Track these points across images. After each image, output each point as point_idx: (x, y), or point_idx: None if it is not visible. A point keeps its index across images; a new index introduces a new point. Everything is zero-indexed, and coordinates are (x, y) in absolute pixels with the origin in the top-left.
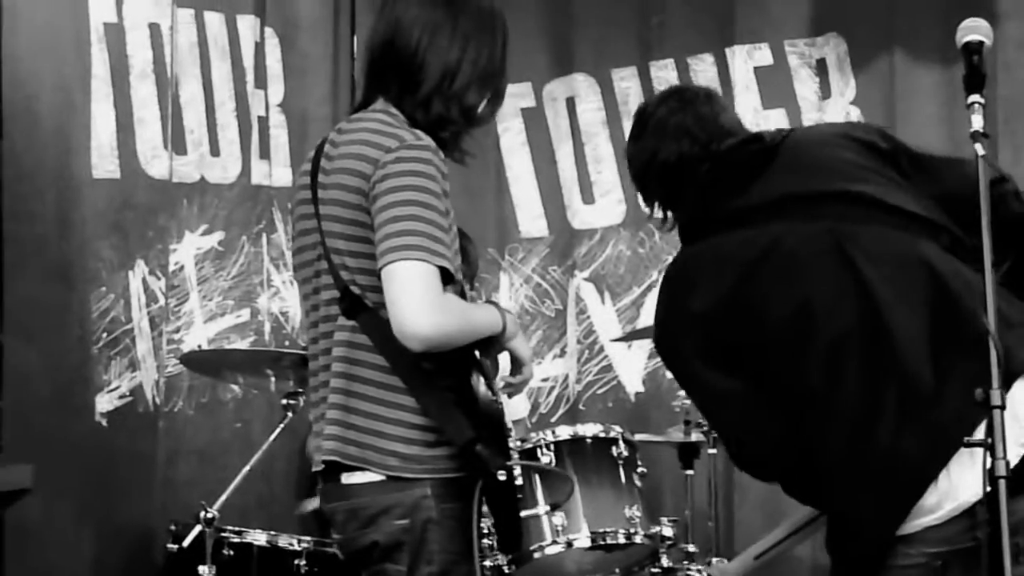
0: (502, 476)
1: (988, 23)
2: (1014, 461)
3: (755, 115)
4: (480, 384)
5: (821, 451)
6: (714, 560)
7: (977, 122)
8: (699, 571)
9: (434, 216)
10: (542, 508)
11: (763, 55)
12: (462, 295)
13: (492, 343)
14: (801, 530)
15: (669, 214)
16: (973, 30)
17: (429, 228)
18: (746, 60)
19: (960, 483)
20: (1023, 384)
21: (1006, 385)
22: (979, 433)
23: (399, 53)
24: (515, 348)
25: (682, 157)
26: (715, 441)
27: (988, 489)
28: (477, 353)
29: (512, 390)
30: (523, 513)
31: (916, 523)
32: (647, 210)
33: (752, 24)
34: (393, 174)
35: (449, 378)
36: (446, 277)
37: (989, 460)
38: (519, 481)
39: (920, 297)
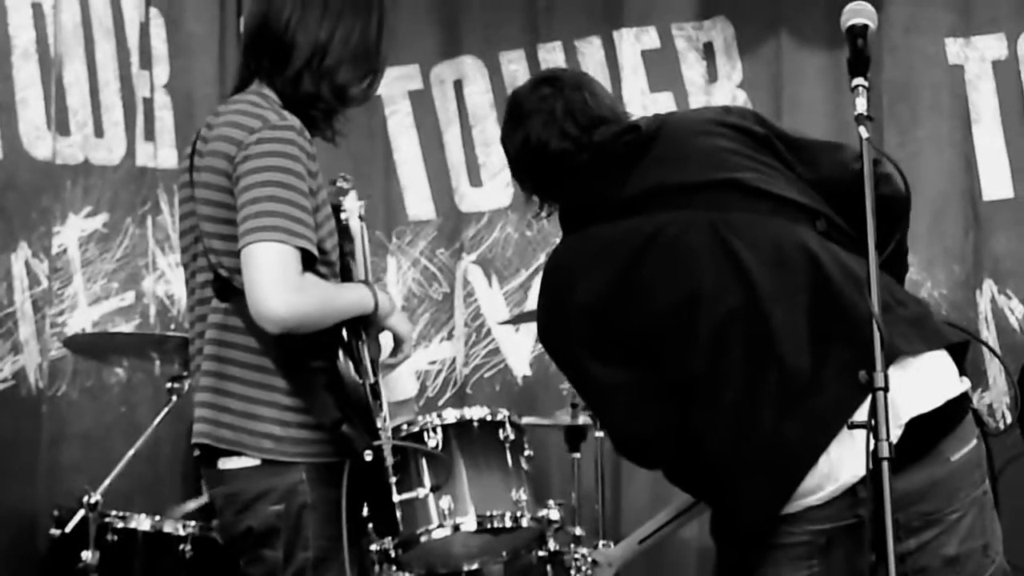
0: (368, 457)
1: (873, 7)
2: (893, 441)
3: (642, 98)
4: (348, 365)
5: (705, 438)
6: (600, 544)
7: (861, 105)
8: (585, 555)
9: (295, 197)
10: (423, 490)
11: (650, 38)
12: (346, 273)
13: (368, 322)
14: (685, 513)
15: (546, 203)
16: (858, 13)
17: (289, 209)
18: (633, 43)
19: (841, 464)
20: (897, 369)
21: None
22: (861, 415)
23: (271, 32)
24: (393, 326)
25: (555, 146)
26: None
27: (871, 468)
28: (346, 333)
29: (389, 370)
30: (405, 496)
31: (799, 503)
32: (524, 198)
33: (640, 7)
34: (254, 155)
35: (319, 359)
36: (309, 259)
37: (873, 441)
38: (389, 462)
39: (798, 283)
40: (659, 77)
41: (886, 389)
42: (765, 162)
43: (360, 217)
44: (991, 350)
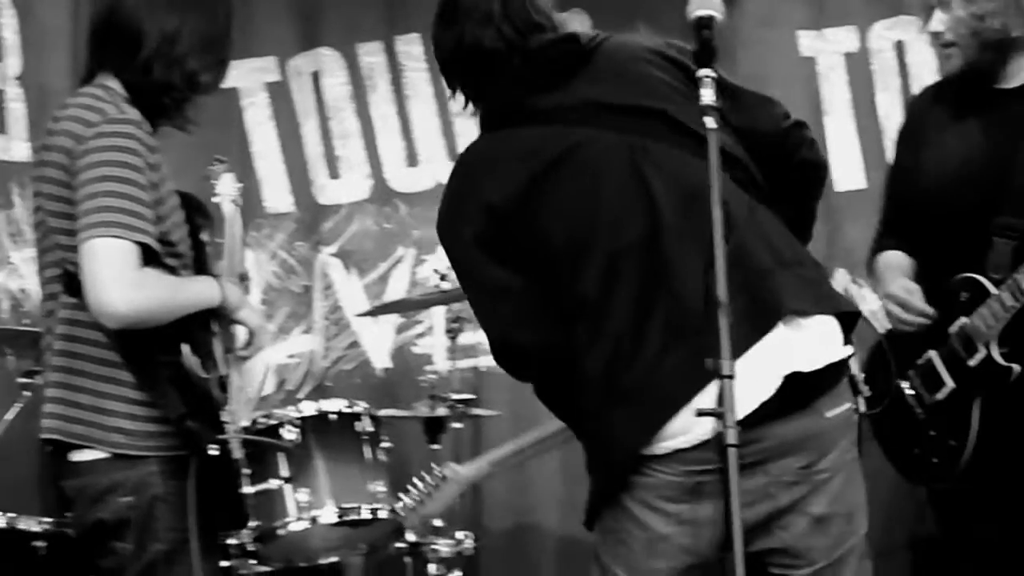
0: (214, 451)
1: (727, 1)
2: (772, 390)
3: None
4: (193, 358)
5: (586, 360)
6: (451, 464)
7: (708, 96)
8: (443, 546)
9: (133, 191)
10: (276, 481)
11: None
12: (202, 266)
13: (217, 315)
14: (544, 441)
15: (471, 104)
16: (703, 4)
17: (126, 203)
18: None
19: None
20: (786, 327)
21: (768, 325)
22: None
23: (120, 21)
24: (243, 319)
25: (489, 45)
26: (461, 415)
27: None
28: (194, 326)
29: (242, 362)
30: (259, 487)
31: (667, 444)
32: (449, 94)
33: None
34: (92, 150)
35: (165, 353)
36: (150, 253)
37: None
38: (239, 455)
39: (704, 225)
40: None
41: (732, 377)
42: (691, 95)
43: (234, 202)
44: (873, 327)
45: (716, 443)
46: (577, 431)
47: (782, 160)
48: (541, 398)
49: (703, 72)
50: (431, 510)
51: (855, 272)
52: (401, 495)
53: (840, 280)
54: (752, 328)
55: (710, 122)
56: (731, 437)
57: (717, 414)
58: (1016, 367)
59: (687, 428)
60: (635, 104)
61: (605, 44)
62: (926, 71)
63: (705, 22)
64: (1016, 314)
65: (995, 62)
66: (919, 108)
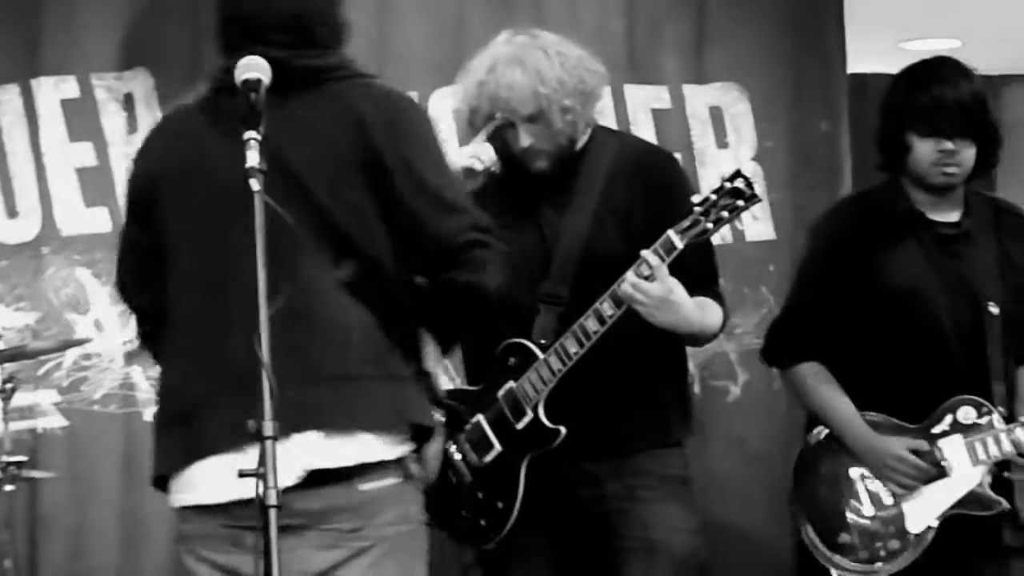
0: None
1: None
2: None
3: (61, 147)
4: None
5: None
6: None
7: (253, 158)
8: None
9: None
10: None
11: (70, 87)
12: None
13: None
14: None
15: None
16: (250, 68)
17: None
18: (52, 92)
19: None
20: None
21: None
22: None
23: None
24: None
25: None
26: (13, 478)
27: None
28: None
29: None
30: None
31: (203, 495)
32: None
33: (57, 56)
34: None
35: None
36: None
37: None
38: None
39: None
40: (79, 126)
41: (275, 438)
42: (352, 178)
43: None
44: None
45: (258, 503)
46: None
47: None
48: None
49: (249, 135)
50: None
51: None
52: None
53: None
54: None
55: (254, 184)
56: (272, 498)
57: (259, 475)
58: (562, 429)
59: (225, 482)
60: (293, 170)
61: (333, 87)
62: None
63: (252, 85)
64: (562, 378)
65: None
66: None
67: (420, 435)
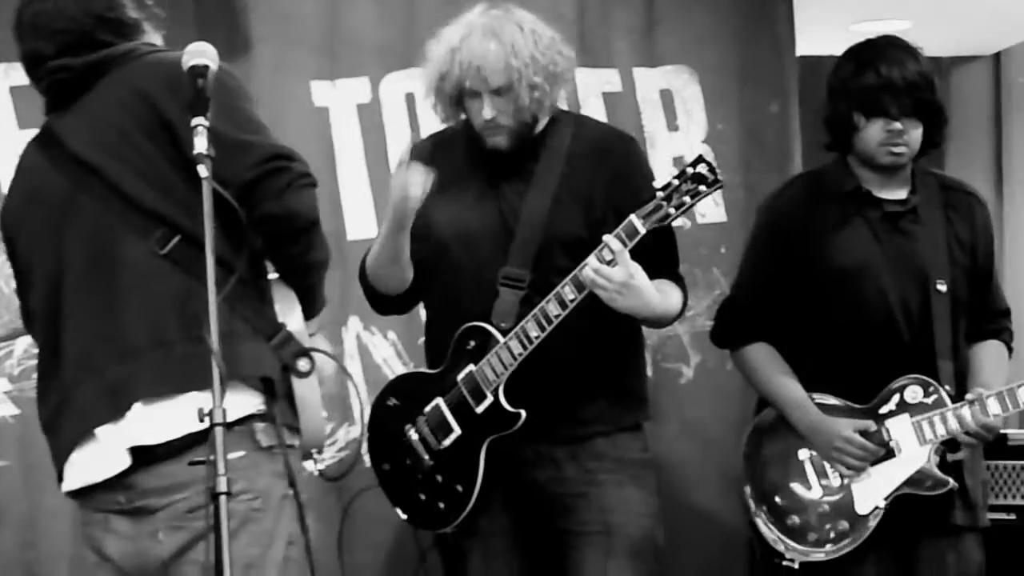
0: None
1: (245, 45)
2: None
3: None
4: None
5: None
6: None
7: (201, 144)
8: None
9: None
10: None
11: None
12: None
13: None
14: None
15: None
16: (198, 54)
17: None
18: None
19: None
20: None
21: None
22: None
23: None
24: None
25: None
26: None
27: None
28: None
29: None
30: None
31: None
32: None
33: None
34: None
35: None
36: None
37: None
38: None
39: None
40: None
41: (225, 424)
42: (148, 153)
43: None
44: (353, 383)
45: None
46: None
47: (247, 214)
48: None
49: (197, 121)
50: None
51: (367, 320)
52: None
53: (352, 328)
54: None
55: (203, 171)
56: (222, 485)
57: (208, 461)
58: (523, 413)
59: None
60: (87, 157)
61: (119, 71)
62: (436, 122)
63: (200, 71)
64: (523, 361)
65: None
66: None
67: (268, 388)
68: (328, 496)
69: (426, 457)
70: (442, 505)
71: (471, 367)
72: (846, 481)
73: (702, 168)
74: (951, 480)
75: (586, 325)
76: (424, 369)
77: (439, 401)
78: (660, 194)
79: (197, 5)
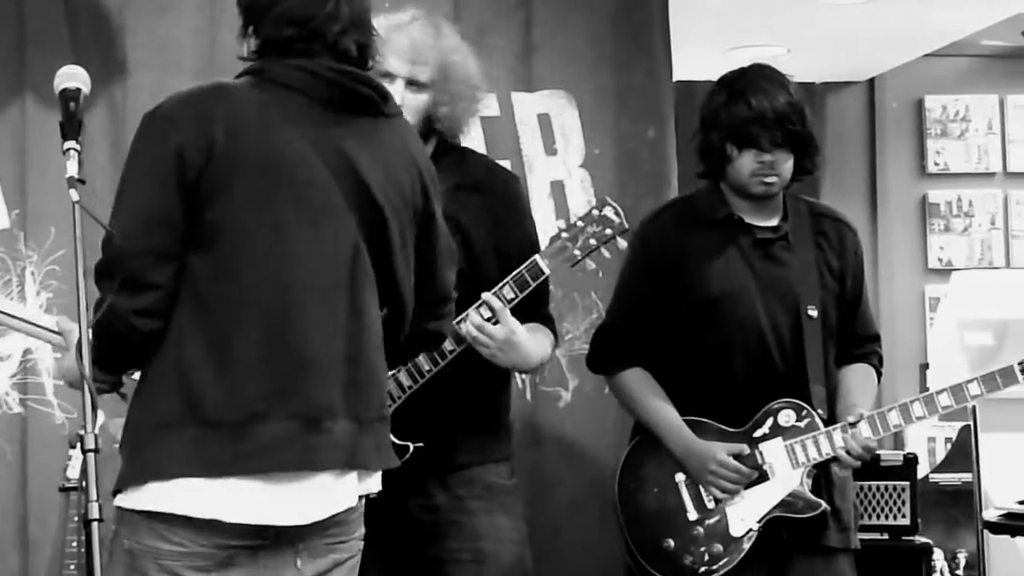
0: None
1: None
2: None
3: None
4: None
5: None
6: None
7: (72, 168)
8: None
9: None
10: None
11: None
12: None
13: None
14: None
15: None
16: (70, 77)
17: None
18: None
19: None
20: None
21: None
22: None
23: None
24: None
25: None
26: None
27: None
28: None
29: None
30: None
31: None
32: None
33: None
34: None
35: None
36: None
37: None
38: None
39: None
40: None
41: (97, 451)
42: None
43: None
44: None
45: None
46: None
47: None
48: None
49: (69, 145)
50: None
51: None
52: None
53: None
54: None
55: (74, 195)
56: (94, 512)
57: (82, 488)
58: (411, 445)
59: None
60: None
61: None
62: None
63: (72, 94)
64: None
65: None
66: None
67: None
68: None
69: None
70: None
71: None
72: (720, 504)
73: (608, 211)
74: (823, 503)
75: (465, 358)
76: None
77: None
78: (565, 235)
79: (72, 30)
